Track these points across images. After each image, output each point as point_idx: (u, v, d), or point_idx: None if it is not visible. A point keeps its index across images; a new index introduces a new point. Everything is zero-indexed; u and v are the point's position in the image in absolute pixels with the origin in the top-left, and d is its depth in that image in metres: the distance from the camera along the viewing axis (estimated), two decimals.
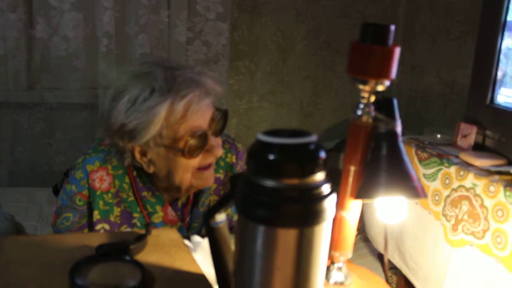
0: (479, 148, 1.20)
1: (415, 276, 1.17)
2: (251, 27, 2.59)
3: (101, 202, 1.11)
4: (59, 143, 2.35)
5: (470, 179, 1.05)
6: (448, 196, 1.10)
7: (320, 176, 0.60)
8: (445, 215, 1.11)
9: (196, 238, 0.89)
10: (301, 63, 2.73)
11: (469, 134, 1.18)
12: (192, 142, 1.01)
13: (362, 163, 0.78)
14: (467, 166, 1.11)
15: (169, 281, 0.72)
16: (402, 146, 0.76)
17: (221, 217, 0.73)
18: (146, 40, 2.24)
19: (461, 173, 1.08)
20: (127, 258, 0.73)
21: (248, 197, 0.58)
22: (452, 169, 1.11)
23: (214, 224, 0.72)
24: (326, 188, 0.60)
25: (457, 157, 1.18)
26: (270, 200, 0.56)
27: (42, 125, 2.31)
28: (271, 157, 0.57)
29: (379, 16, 2.79)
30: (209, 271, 0.77)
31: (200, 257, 0.84)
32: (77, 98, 2.28)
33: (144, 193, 1.13)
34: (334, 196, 0.61)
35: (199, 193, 1.18)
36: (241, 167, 1.22)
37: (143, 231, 1.15)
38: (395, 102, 0.79)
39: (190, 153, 1.01)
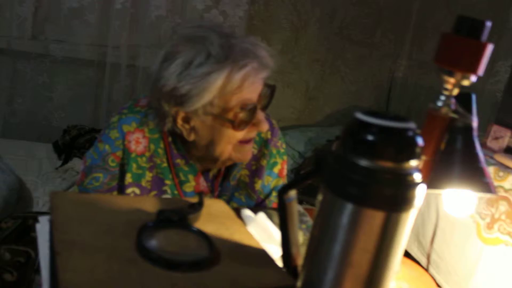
0: (509, 151, 1.21)
1: (436, 269, 1.19)
2: (268, 2, 2.53)
3: (134, 165, 1.07)
4: (60, 98, 2.27)
5: (509, 181, 1.06)
6: None
7: (414, 163, 0.59)
8: (479, 213, 1.13)
9: (247, 212, 0.87)
10: (312, 45, 2.70)
11: (502, 137, 1.19)
12: (242, 114, 0.98)
13: (435, 154, 0.77)
14: (505, 167, 1.12)
15: (232, 254, 0.70)
16: (477, 141, 0.76)
17: (293, 193, 0.71)
18: (163, 2, 2.16)
19: (501, 174, 1.10)
20: (193, 227, 0.70)
21: (340, 174, 0.57)
22: (491, 170, 1.12)
23: (288, 200, 0.70)
24: (418, 176, 0.60)
25: (491, 157, 1.19)
26: (363, 179, 0.56)
27: (45, 77, 2.22)
28: (370, 137, 0.57)
29: (394, 9, 2.77)
30: (264, 247, 0.75)
31: (254, 231, 0.82)
32: (85, 54, 2.20)
33: (178, 161, 1.10)
34: (424, 185, 0.61)
35: (231, 166, 1.16)
36: (274, 143, 1.20)
37: (174, 198, 1.12)
38: (473, 97, 0.78)
39: (239, 125, 0.98)
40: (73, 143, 1.97)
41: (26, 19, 2.11)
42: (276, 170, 1.21)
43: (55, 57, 2.19)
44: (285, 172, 1.24)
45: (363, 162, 0.57)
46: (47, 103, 2.27)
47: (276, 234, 0.83)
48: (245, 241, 0.75)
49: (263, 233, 0.81)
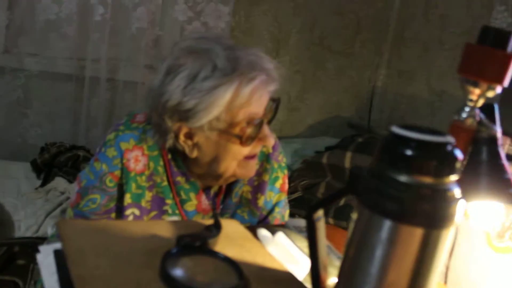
0: (509, 159, 1.21)
1: (445, 279, 1.17)
2: (249, 14, 2.51)
3: (134, 185, 1.01)
4: (36, 115, 2.17)
5: None
6: None
7: (454, 178, 0.58)
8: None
9: (263, 232, 0.83)
10: (293, 56, 2.68)
11: (502, 144, 1.19)
12: (249, 129, 0.94)
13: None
14: None
15: (261, 280, 0.65)
16: (502, 152, 0.75)
17: (321, 212, 0.67)
18: (144, 14, 2.11)
19: None
20: (218, 253, 0.65)
21: (378, 190, 0.56)
22: None
23: (316, 220, 0.66)
24: (457, 192, 0.59)
25: None
26: (402, 195, 0.55)
27: (20, 93, 2.12)
28: (409, 152, 0.56)
29: (372, 19, 2.80)
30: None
31: (274, 252, 0.78)
32: (62, 68, 2.12)
33: (178, 178, 1.05)
34: (463, 201, 0.59)
35: (232, 183, 1.11)
36: (275, 158, 1.16)
37: (174, 218, 1.07)
38: (496, 107, 0.77)
39: (246, 140, 0.94)
40: (53, 161, 1.87)
41: None
42: (277, 185, 1.17)
43: (30, 72, 2.09)
44: (286, 186, 1.20)
45: (402, 178, 0.55)
46: (22, 120, 2.16)
47: (297, 254, 0.79)
48: (269, 264, 0.71)
49: (283, 254, 0.77)
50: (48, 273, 0.68)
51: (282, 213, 1.20)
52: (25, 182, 1.81)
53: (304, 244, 0.87)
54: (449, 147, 0.58)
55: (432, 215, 0.55)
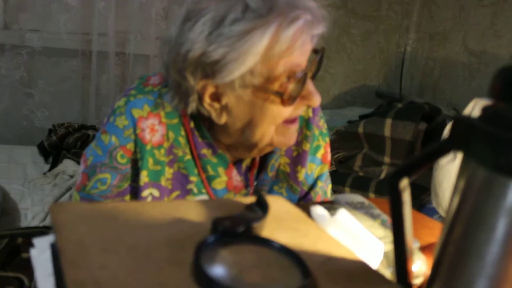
0: None
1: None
2: None
3: (151, 160, 0.84)
4: (42, 95, 2.02)
5: None
6: None
7: None
8: None
9: (318, 210, 0.64)
10: None
11: None
12: (291, 85, 0.76)
13: None
14: None
15: (331, 275, 0.47)
16: None
17: (407, 181, 0.49)
18: None
19: None
20: (273, 242, 0.47)
21: (497, 138, 0.40)
22: None
23: (403, 189, 0.48)
24: None
25: None
26: None
27: (23, 72, 1.96)
28: None
29: None
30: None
31: (338, 236, 0.60)
32: (67, 43, 1.95)
33: (204, 151, 0.87)
34: None
35: (268, 154, 0.93)
36: (316, 123, 0.98)
37: (202, 198, 0.90)
38: None
39: (288, 98, 0.76)
40: (61, 144, 1.72)
41: None
42: (319, 155, 0.99)
43: (32, 48, 1.93)
44: (329, 157, 1.02)
45: None
46: (27, 101, 2.01)
47: (366, 236, 0.61)
48: (336, 252, 0.53)
49: (348, 237, 0.59)
50: (43, 274, 0.51)
51: (324, 188, 1.02)
52: (32, 167, 1.66)
53: (368, 223, 0.69)
54: None
55: None
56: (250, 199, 0.60)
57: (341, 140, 1.72)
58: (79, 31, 1.96)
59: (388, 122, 1.61)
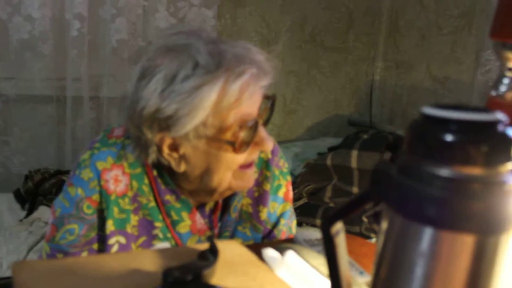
0: None
1: None
2: (235, 16, 2.39)
3: (116, 209, 0.88)
4: (17, 142, 2.04)
5: None
6: None
7: (509, 166, 0.44)
8: None
9: (270, 252, 0.69)
10: (285, 56, 2.56)
11: None
12: (242, 133, 0.81)
13: None
14: None
15: None
16: None
17: (340, 225, 0.54)
18: (124, 24, 1.98)
19: None
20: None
21: (411, 190, 0.43)
22: None
23: (335, 234, 0.53)
24: None
25: None
26: (444, 194, 0.42)
27: None
28: (449, 137, 0.42)
29: (364, 11, 2.68)
30: None
31: (285, 277, 0.64)
32: (41, 90, 1.99)
33: (167, 197, 0.91)
34: None
35: (229, 196, 0.98)
36: (276, 163, 1.03)
37: (165, 244, 0.93)
38: None
39: (240, 146, 0.81)
40: (37, 190, 1.74)
41: None
42: (281, 193, 1.04)
43: (7, 96, 1.96)
44: (291, 194, 1.07)
45: (443, 172, 0.42)
46: (3, 148, 2.03)
47: (312, 276, 0.65)
48: None
49: (296, 277, 0.63)
50: None
51: (288, 224, 1.06)
52: (8, 214, 1.67)
53: (319, 261, 0.73)
54: (500, 127, 0.44)
55: (485, 217, 0.43)
56: (204, 246, 0.64)
57: (311, 173, 1.77)
58: (53, 77, 2.00)
59: (354, 153, 1.67)
